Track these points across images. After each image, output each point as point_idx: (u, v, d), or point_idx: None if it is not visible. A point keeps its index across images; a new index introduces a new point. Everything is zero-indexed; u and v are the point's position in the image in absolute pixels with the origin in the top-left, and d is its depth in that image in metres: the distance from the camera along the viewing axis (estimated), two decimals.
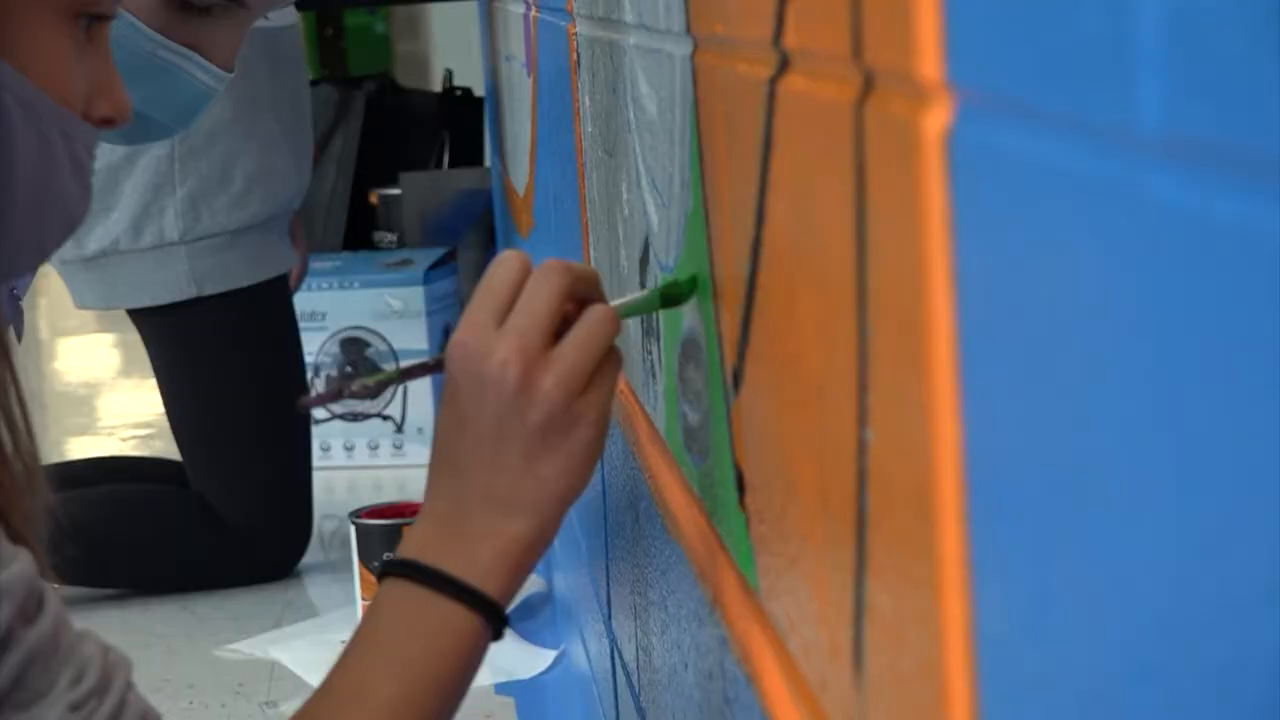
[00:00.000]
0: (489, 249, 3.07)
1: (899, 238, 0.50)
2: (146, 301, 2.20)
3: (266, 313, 2.24)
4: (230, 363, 2.20)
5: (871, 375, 0.54)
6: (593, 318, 0.87)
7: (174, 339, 2.21)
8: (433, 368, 0.92)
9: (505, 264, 0.88)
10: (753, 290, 0.72)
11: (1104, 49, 0.35)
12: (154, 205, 2.20)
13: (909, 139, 0.48)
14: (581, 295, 0.89)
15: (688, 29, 0.85)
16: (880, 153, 0.52)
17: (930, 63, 0.46)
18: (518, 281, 0.87)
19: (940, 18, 0.45)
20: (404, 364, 1.16)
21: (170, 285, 2.19)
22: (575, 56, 1.40)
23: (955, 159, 0.46)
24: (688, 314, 0.89)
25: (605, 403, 0.87)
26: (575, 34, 1.39)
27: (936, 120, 0.47)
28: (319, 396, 0.94)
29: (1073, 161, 0.38)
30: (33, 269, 0.90)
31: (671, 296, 0.89)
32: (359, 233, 3.20)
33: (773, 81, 0.65)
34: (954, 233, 0.46)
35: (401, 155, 3.28)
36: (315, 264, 2.73)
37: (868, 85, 0.53)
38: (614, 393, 0.89)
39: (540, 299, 0.86)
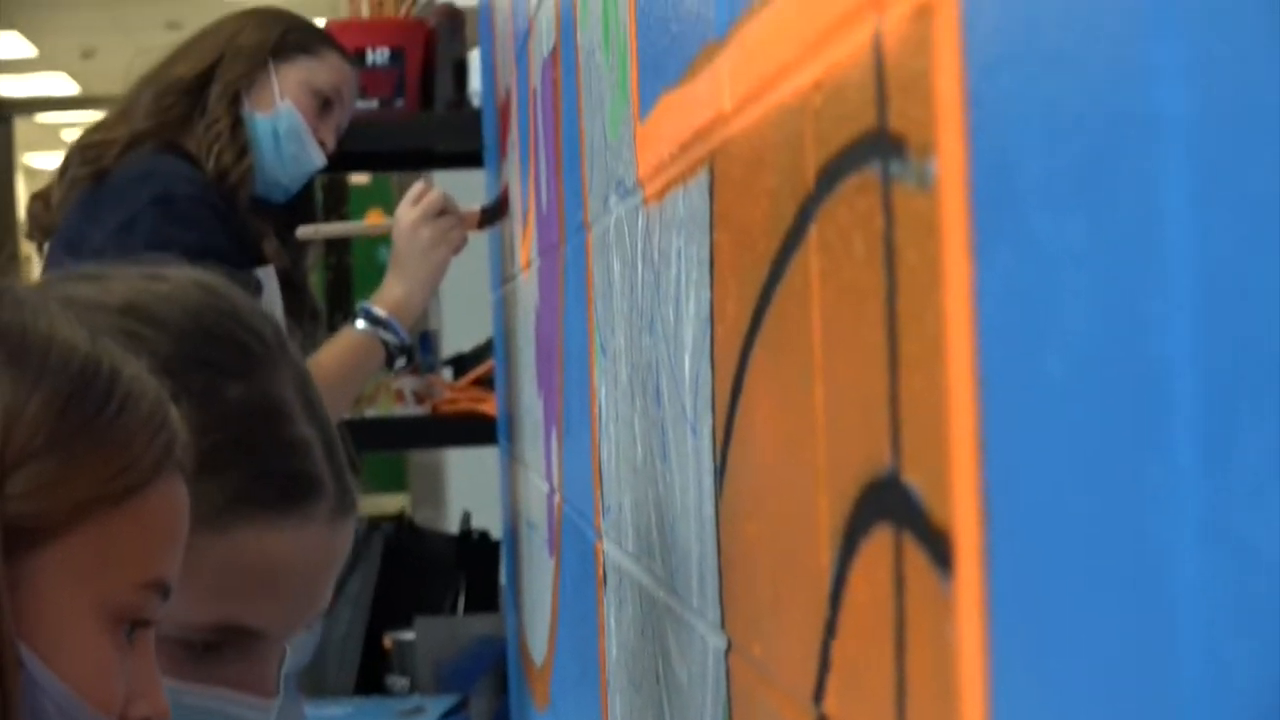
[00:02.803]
0: (501, 697, 3.07)
1: None
2: None
3: None
4: None
5: None
6: None
7: None
8: None
9: None
10: None
11: None
12: None
13: None
14: None
15: (721, 622, 0.89)
16: None
17: None
18: None
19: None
20: None
21: None
22: (602, 574, 1.43)
23: None
24: None
25: None
26: (603, 553, 1.43)
27: None
28: None
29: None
30: None
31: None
32: (371, 676, 3.21)
33: None
34: None
35: (417, 598, 3.31)
36: (326, 710, 2.74)
37: None
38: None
39: None
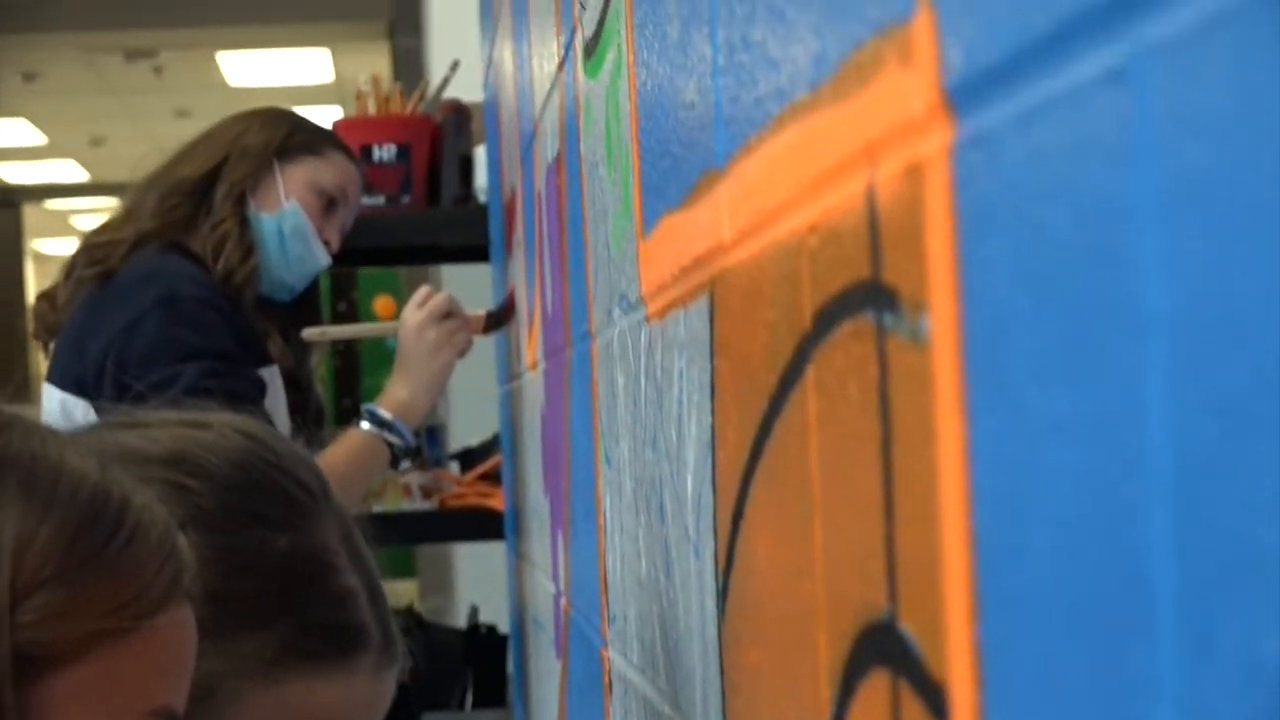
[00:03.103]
0: None
1: None
2: None
3: None
4: None
5: None
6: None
7: None
8: None
9: None
10: None
11: None
12: None
13: None
14: None
15: None
16: None
17: None
18: None
19: None
20: None
21: None
22: (608, 680, 1.44)
23: None
24: None
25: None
26: (609, 660, 1.44)
27: None
28: None
29: None
30: None
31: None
32: None
33: None
34: None
35: (425, 693, 3.31)
36: None
37: None
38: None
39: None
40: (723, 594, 0.90)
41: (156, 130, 10.18)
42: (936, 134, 0.51)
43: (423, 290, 2.64)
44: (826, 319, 0.66)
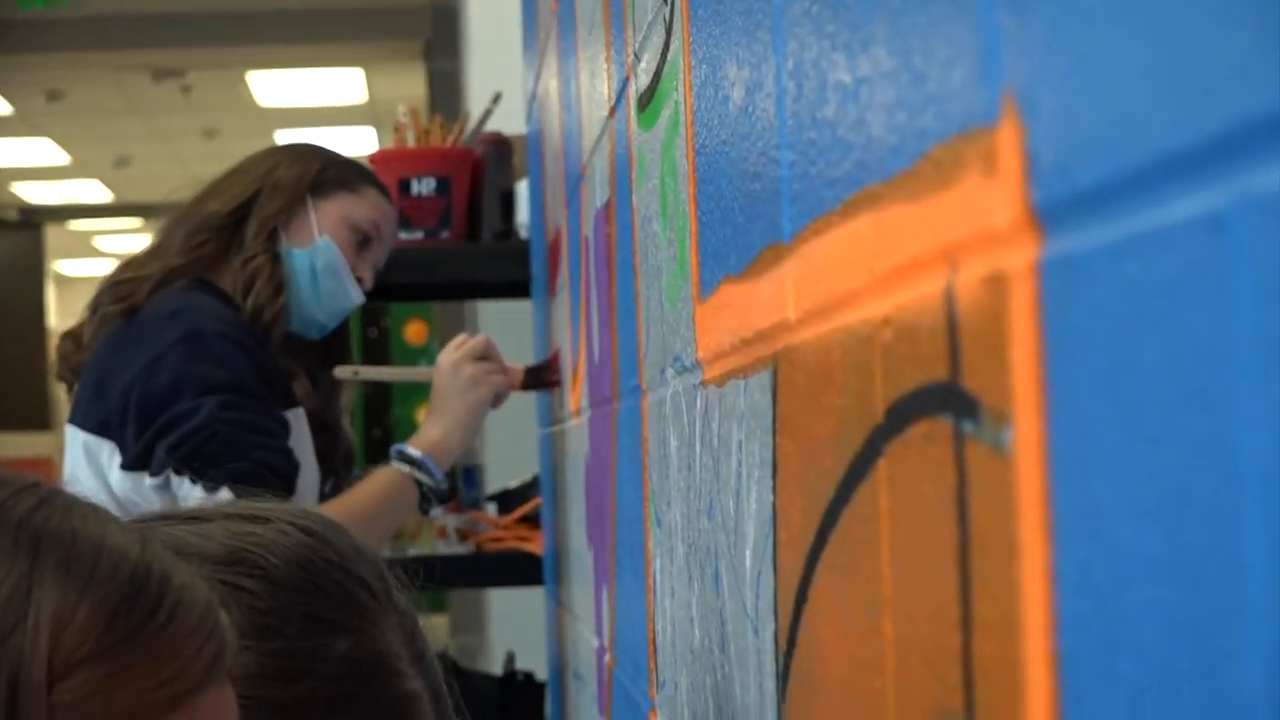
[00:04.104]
0: None
1: None
2: None
3: None
4: None
5: None
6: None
7: None
8: None
9: None
10: None
11: None
12: None
13: None
14: None
15: None
16: None
17: None
18: None
19: None
20: None
21: None
22: None
23: None
24: None
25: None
26: None
27: None
28: None
29: None
30: None
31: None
32: None
33: None
34: None
35: None
36: None
37: None
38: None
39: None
40: (783, 677, 0.91)
41: (183, 151, 10.24)
42: (1021, 248, 0.53)
43: (460, 337, 2.68)
44: (900, 414, 0.67)
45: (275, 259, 2.57)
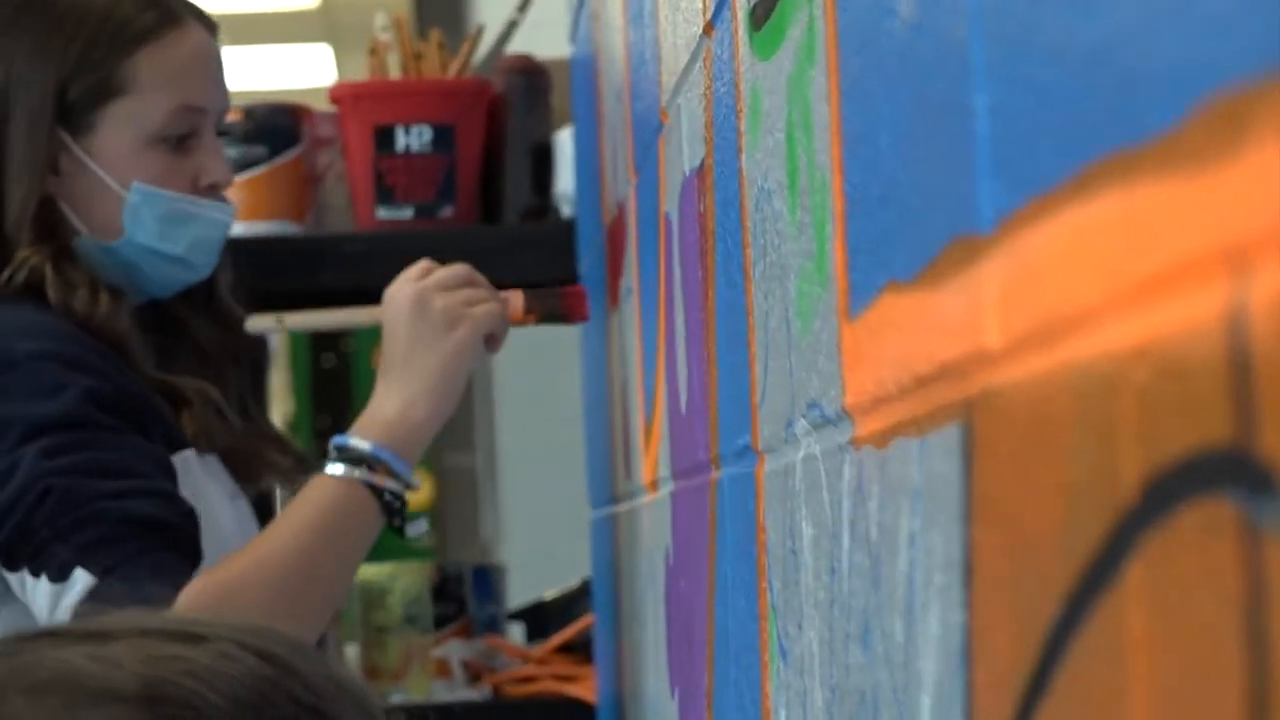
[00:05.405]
0: None
1: None
2: None
3: None
4: None
5: None
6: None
7: None
8: None
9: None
10: None
11: None
12: None
13: None
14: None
15: None
16: None
17: None
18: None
19: None
20: None
21: None
22: None
23: None
24: None
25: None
26: None
27: None
28: None
29: None
30: None
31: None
32: None
33: None
34: None
35: None
36: None
37: None
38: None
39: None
40: None
41: None
42: None
43: (422, 263, 2.57)
44: (1162, 493, 0.69)
45: (67, 255, 2.54)
